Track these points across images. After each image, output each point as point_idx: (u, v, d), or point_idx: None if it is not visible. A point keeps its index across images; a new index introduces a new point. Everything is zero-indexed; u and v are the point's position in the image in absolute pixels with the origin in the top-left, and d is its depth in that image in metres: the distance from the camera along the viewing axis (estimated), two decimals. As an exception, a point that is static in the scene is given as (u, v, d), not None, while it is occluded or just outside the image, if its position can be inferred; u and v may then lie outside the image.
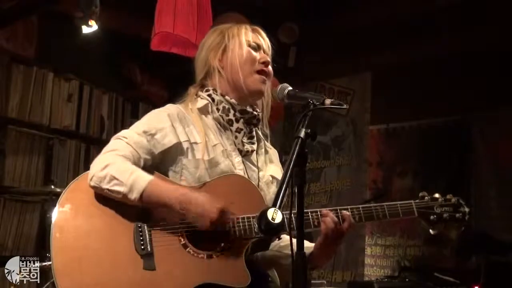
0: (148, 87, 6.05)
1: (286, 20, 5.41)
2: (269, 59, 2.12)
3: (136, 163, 1.94)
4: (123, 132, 2.01)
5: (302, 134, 1.63)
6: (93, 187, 1.91)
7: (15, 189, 4.85)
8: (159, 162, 2.01)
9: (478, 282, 4.11)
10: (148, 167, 1.98)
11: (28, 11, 4.83)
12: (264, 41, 2.15)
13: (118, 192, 1.86)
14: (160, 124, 2.01)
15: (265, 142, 2.22)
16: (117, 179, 1.86)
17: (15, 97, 4.96)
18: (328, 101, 1.76)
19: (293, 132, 1.66)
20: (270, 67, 2.13)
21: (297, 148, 1.61)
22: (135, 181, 1.86)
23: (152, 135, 1.98)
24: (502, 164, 5.00)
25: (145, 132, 1.98)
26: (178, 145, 2.00)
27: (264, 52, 2.13)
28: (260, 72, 2.09)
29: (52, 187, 4.09)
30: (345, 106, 1.82)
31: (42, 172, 5.11)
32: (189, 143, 2.01)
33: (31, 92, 5.07)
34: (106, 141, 2.00)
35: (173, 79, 5.93)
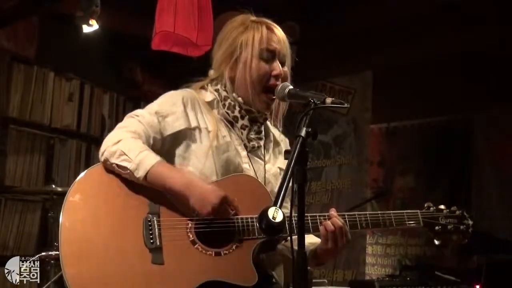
0: (149, 86, 6.05)
1: (286, 19, 5.39)
2: (281, 69, 2.07)
3: (146, 141, 1.98)
4: (136, 111, 2.04)
5: (303, 133, 1.64)
6: (103, 162, 1.94)
7: (16, 189, 4.85)
8: (168, 146, 2.03)
9: (479, 281, 4.11)
10: (157, 152, 1.99)
11: (28, 11, 4.83)
12: (280, 43, 2.10)
13: (125, 168, 1.88)
14: (173, 107, 2.03)
15: (275, 135, 2.22)
16: (126, 155, 1.88)
17: (16, 96, 4.97)
18: (329, 100, 1.76)
19: (294, 131, 1.66)
20: (285, 69, 2.10)
21: (298, 147, 1.61)
22: (143, 159, 1.88)
23: (164, 117, 2.01)
24: (503, 164, 5.00)
25: (157, 112, 2.01)
26: (188, 130, 2.02)
27: (280, 58, 2.09)
28: (270, 87, 2.06)
29: (53, 186, 4.09)
30: (346, 105, 1.82)
31: (43, 172, 5.12)
32: (199, 129, 2.03)
33: (31, 91, 5.07)
34: (107, 141, 2.00)
35: (174, 78, 5.93)
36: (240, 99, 2.08)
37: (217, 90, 2.12)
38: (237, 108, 2.09)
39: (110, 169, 1.94)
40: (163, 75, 6.01)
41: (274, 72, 2.06)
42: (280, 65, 2.08)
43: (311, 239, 2.02)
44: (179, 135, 2.02)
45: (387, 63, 5.42)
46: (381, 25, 5.10)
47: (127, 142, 1.91)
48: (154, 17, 3.40)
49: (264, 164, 2.11)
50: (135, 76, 6.00)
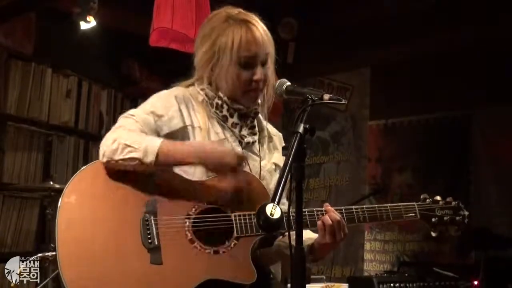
0: (147, 83, 6.03)
1: (285, 15, 5.40)
2: (261, 74, 2.00)
3: None
4: (131, 110, 2.02)
5: (300, 129, 1.63)
6: (106, 163, 1.90)
7: (14, 186, 4.85)
8: None
9: (477, 277, 4.12)
10: None
11: (26, 7, 4.82)
12: (260, 45, 2.01)
13: (133, 159, 1.85)
14: (167, 106, 2.01)
15: (268, 129, 2.19)
16: (130, 146, 1.86)
17: (13, 93, 4.96)
18: (326, 97, 1.76)
19: (292, 127, 1.65)
20: (266, 71, 2.03)
21: (295, 143, 1.60)
22: (148, 144, 1.86)
23: (159, 116, 1.99)
24: (501, 161, 4.99)
25: (152, 112, 1.99)
26: (183, 128, 2.00)
27: (261, 59, 2.02)
28: (251, 91, 2.03)
29: (51, 183, 4.08)
30: (343, 102, 1.81)
31: (41, 169, 5.12)
32: (192, 127, 2.01)
33: (29, 88, 5.06)
34: (105, 137, 1.99)
35: (172, 75, 5.91)
36: (226, 98, 2.04)
37: (203, 90, 2.08)
38: (225, 107, 2.05)
39: (113, 168, 1.90)
40: (161, 71, 5.99)
41: (255, 77, 2.01)
42: (261, 68, 2.02)
43: (308, 235, 2.01)
44: (175, 134, 1.99)
45: (386, 60, 5.41)
46: (379, 22, 5.09)
47: (125, 136, 1.89)
48: (152, 14, 3.40)
49: (260, 160, 2.08)
50: (133, 73, 5.99)
